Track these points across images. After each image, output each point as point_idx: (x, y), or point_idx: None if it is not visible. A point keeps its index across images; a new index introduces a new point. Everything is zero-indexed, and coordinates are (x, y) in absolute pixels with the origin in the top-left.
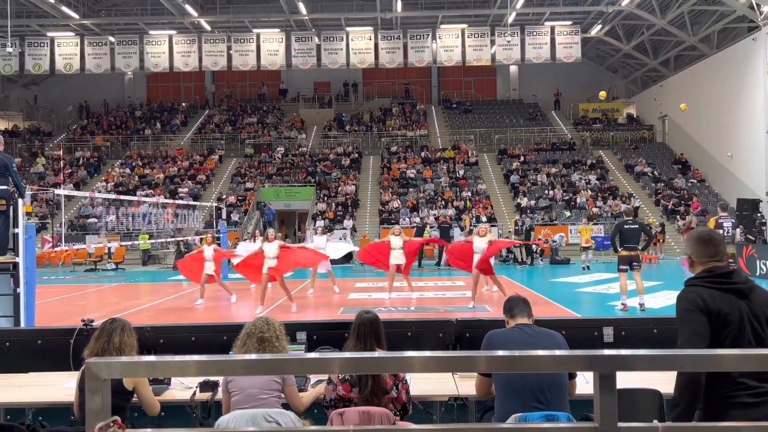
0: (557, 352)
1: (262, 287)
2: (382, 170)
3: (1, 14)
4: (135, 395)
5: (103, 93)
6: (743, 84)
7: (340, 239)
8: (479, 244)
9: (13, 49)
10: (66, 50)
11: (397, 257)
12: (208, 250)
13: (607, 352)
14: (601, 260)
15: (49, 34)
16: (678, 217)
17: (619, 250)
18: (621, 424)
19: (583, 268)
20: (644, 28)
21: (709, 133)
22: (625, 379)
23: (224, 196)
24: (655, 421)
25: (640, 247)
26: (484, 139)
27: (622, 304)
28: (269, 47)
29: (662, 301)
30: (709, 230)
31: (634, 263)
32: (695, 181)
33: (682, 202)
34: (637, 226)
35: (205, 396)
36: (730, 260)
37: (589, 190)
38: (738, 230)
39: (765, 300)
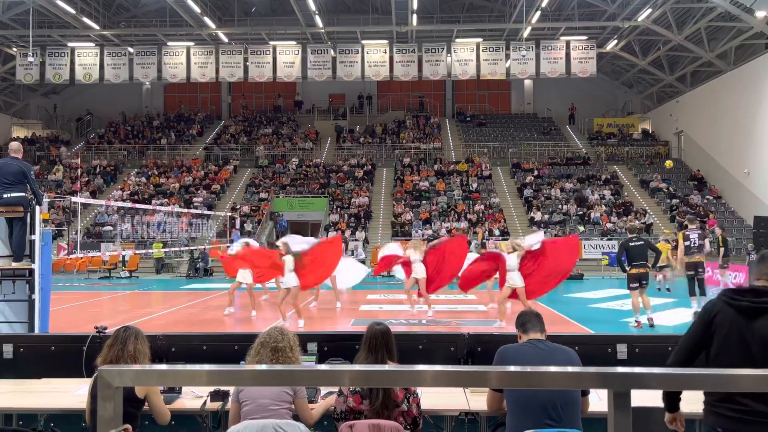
0: (570, 369)
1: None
2: (395, 182)
3: (23, 25)
4: (146, 404)
5: (121, 103)
6: (760, 100)
7: (352, 254)
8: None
9: (35, 59)
10: (86, 60)
11: (417, 271)
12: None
13: (621, 369)
14: (615, 276)
15: (70, 44)
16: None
17: (628, 269)
18: None
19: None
20: (660, 43)
21: (726, 150)
22: (639, 397)
23: (238, 206)
24: None
25: (650, 264)
26: (498, 153)
27: (636, 321)
28: (285, 59)
29: (675, 318)
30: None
31: (644, 281)
32: (711, 197)
33: (698, 218)
34: (642, 242)
35: (216, 405)
36: (699, 269)
37: (603, 206)
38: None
39: None
